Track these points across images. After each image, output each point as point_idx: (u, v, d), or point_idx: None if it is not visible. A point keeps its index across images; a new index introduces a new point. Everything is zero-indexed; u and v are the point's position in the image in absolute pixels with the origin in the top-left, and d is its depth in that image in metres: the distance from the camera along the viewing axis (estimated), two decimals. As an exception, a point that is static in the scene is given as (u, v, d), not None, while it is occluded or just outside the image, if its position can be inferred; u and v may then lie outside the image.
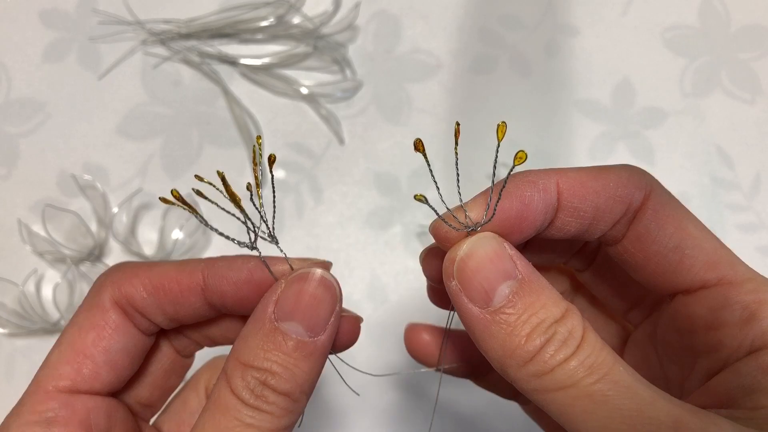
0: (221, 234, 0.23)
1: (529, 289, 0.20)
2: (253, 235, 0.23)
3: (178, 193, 0.21)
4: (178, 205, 0.22)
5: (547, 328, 0.19)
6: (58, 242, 0.40)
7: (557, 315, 0.19)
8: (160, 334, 0.24)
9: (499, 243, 0.20)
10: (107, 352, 0.22)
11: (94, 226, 0.41)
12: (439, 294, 0.25)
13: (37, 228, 0.41)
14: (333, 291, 0.21)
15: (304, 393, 0.20)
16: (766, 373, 0.19)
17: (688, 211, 0.22)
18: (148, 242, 0.41)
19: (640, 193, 0.21)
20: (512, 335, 0.19)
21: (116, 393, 0.23)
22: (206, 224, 0.22)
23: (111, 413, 0.22)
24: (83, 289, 0.40)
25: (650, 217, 0.21)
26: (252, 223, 0.23)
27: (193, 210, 0.22)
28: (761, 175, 0.43)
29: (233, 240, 0.22)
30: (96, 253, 0.41)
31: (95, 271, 0.40)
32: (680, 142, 0.44)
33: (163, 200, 0.21)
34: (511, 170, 0.22)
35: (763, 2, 0.46)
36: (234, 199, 0.22)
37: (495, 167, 0.22)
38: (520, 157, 0.21)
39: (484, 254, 0.20)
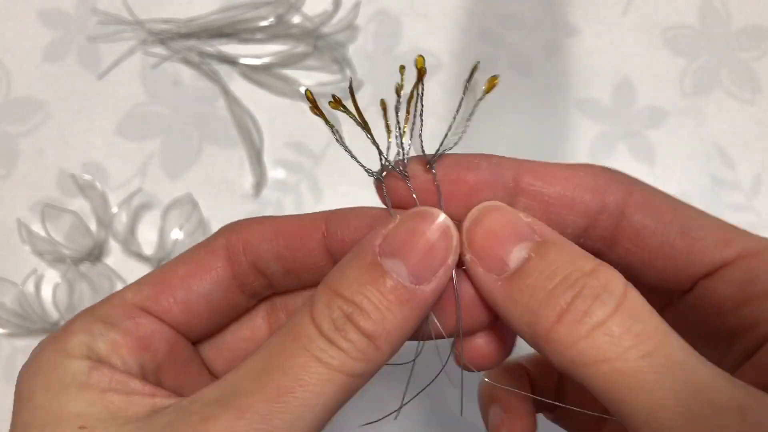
0: (352, 156, 0.22)
1: (550, 248, 0.18)
2: (384, 160, 0.21)
3: (311, 93, 0.20)
4: (337, 108, 0.20)
5: (575, 281, 0.17)
6: (57, 242, 0.40)
7: (587, 268, 0.17)
8: (260, 305, 0.22)
9: (507, 207, 0.19)
10: (190, 292, 0.20)
11: (93, 226, 0.41)
12: None
13: (37, 228, 0.41)
14: (449, 240, 0.18)
15: (389, 343, 0.18)
16: None
17: (678, 198, 0.21)
18: (147, 242, 0.41)
19: (617, 186, 0.20)
20: (534, 295, 0.17)
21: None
22: (344, 145, 0.22)
23: (174, 345, 0.20)
24: (83, 289, 0.40)
25: (640, 210, 0.20)
26: (379, 150, 0.21)
27: (348, 112, 0.21)
28: (762, 175, 0.43)
29: (363, 167, 0.22)
30: (96, 253, 0.41)
31: (95, 270, 0.40)
32: (680, 142, 0.44)
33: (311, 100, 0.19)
34: (481, 98, 0.20)
35: (763, 2, 0.46)
36: (362, 118, 0.21)
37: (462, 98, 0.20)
38: (491, 81, 0.20)
39: (493, 219, 0.19)
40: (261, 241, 0.21)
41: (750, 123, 0.44)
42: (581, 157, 0.43)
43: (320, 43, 0.44)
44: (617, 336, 0.16)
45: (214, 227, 0.42)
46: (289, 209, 0.42)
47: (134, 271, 0.41)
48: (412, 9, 0.46)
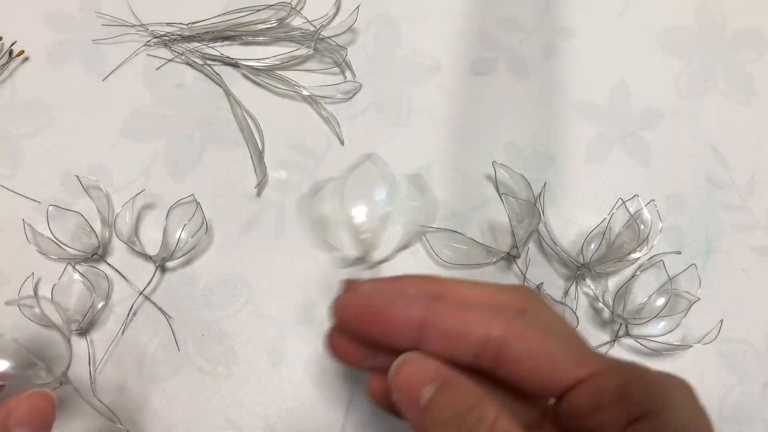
0: None
1: (447, 388, 0.25)
2: None
3: None
4: None
5: (460, 415, 0.24)
6: (62, 242, 0.41)
7: (470, 404, 0.24)
8: None
9: (420, 357, 0.26)
10: None
11: (97, 226, 0.41)
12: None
13: (42, 228, 0.41)
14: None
15: None
16: None
17: (558, 322, 0.28)
18: (151, 242, 0.42)
19: (499, 322, 0.26)
20: (437, 426, 0.24)
21: None
22: None
23: None
24: (82, 289, 0.40)
25: (516, 341, 0.25)
26: None
27: None
28: (756, 176, 0.44)
29: None
30: (100, 253, 0.41)
31: (98, 270, 0.41)
32: (676, 143, 0.44)
33: None
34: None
35: (758, 5, 0.47)
36: None
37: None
38: None
39: (408, 368, 0.26)
40: None
41: (745, 124, 0.45)
42: (579, 158, 0.44)
43: (321, 45, 0.44)
44: None
45: (217, 227, 0.42)
46: (291, 209, 0.42)
47: (137, 271, 0.41)
48: (411, 12, 0.46)
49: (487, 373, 0.27)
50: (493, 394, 0.26)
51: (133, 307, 0.41)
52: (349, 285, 0.29)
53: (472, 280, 0.28)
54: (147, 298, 0.41)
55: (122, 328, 0.41)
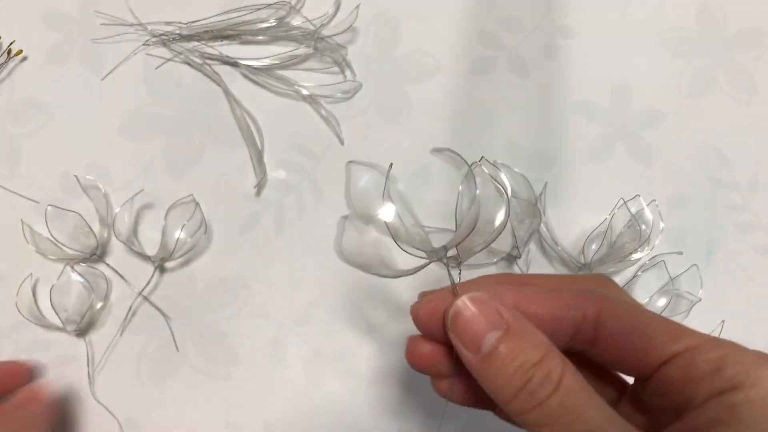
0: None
1: (513, 337, 0.24)
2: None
3: None
4: None
5: (526, 370, 0.23)
6: (60, 242, 0.41)
7: (535, 359, 0.23)
8: None
9: (483, 297, 0.25)
10: None
11: (96, 226, 0.41)
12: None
13: (40, 228, 0.41)
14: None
15: None
16: (728, 410, 0.23)
17: (641, 305, 0.28)
18: (149, 242, 0.42)
19: (592, 302, 0.26)
20: (498, 376, 0.24)
21: None
22: None
23: None
24: (80, 289, 0.40)
25: (610, 320, 0.26)
26: None
27: None
28: (758, 175, 0.43)
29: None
30: (98, 253, 0.41)
31: (97, 270, 0.41)
32: (678, 143, 0.44)
33: None
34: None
35: (760, 5, 0.47)
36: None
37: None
38: None
39: (470, 310, 0.25)
40: None
41: (747, 124, 0.44)
42: (580, 157, 0.44)
43: (320, 45, 0.44)
44: (552, 409, 0.23)
45: (216, 227, 0.42)
46: (291, 209, 0.42)
47: (136, 271, 0.41)
48: (411, 11, 0.46)
49: (576, 354, 0.26)
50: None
51: (132, 307, 0.41)
52: (427, 294, 0.28)
53: (550, 274, 0.28)
54: (146, 298, 0.41)
55: (121, 329, 0.41)
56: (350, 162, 0.27)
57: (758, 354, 0.24)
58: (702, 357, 0.24)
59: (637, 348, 0.25)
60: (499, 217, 0.27)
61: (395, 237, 0.26)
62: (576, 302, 0.26)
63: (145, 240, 0.42)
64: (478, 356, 0.24)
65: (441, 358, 0.27)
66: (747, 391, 0.23)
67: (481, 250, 0.27)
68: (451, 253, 0.27)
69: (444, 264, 0.27)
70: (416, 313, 0.27)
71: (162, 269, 0.41)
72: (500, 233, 0.27)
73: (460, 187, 0.27)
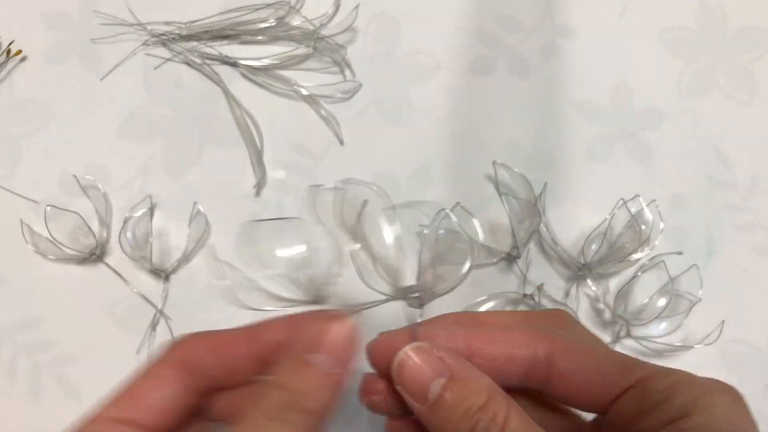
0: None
1: (456, 383, 0.24)
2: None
3: None
4: None
5: (471, 415, 0.23)
6: (60, 242, 0.40)
7: (480, 402, 0.23)
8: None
9: (426, 347, 0.25)
10: (156, 400, 0.25)
11: (95, 227, 0.41)
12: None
13: (39, 228, 0.41)
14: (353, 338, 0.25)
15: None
16: None
17: (596, 339, 0.28)
18: (148, 242, 0.42)
19: (544, 341, 0.26)
20: (446, 424, 0.24)
21: None
22: None
23: None
24: (84, 288, 0.40)
25: (563, 357, 0.26)
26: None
27: None
28: (758, 176, 0.43)
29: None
30: (98, 253, 0.41)
31: (97, 271, 0.41)
32: (678, 143, 0.44)
33: None
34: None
35: (760, 4, 0.47)
36: None
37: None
38: None
39: (414, 360, 0.25)
40: (206, 354, 0.26)
41: (747, 124, 0.44)
42: (580, 158, 0.43)
43: (320, 44, 0.44)
44: None
45: (215, 227, 0.42)
46: (290, 209, 0.42)
47: (135, 271, 0.41)
48: (411, 11, 0.46)
49: (532, 392, 0.27)
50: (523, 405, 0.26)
51: (131, 307, 0.41)
52: (384, 334, 0.28)
53: (507, 311, 0.28)
54: (145, 298, 0.41)
55: (120, 329, 0.41)
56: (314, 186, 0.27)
57: (709, 380, 0.25)
58: (652, 387, 0.25)
59: (591, 384, 0.26)
60: (466, 266, 0.27)
61: (361, 271, 0.26)
62: (527, 341, 0.26)
63: (144, 240, 0.42)
64: (425, 405, 0.24)
65: (396, 397, 0.26)
66: (696, 417, 0.23)
67: (443, 295, 0.27)
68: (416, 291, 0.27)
69: (407, 304, 0.27)
70: (371, 352, 0.27)
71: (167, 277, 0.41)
72: (463, 280, 0.27)
73: (426, 231, 0.28)
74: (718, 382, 0.25)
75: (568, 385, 0.26)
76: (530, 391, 0.28)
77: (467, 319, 0.29)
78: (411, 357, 0.25)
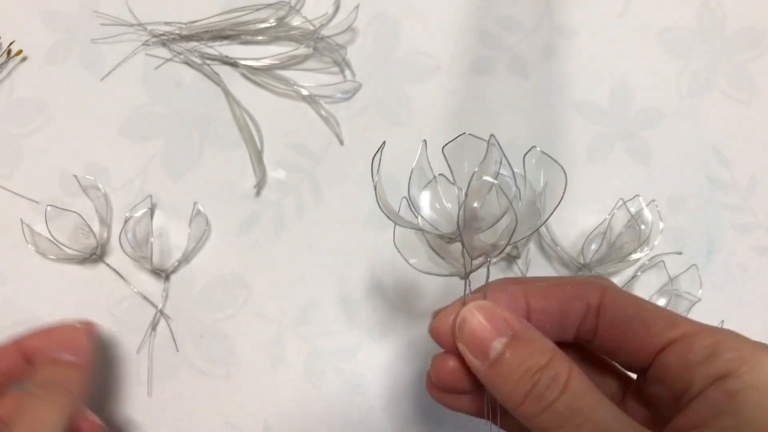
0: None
1: (519, 342, 0.24)
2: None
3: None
4: None
5: (533, 374, 0.24)
6: (60, 242, 0.41)
7: (542, 362, 0.24)
8: None
9: (490, 306, 0.25)
10: None
11: (96, 227, 0.41)
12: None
13: (40, 228, 0.41)
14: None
15: None
16: (728, 397, 0.23)
17: (641, 297, 0.28)
18: (148, 242, 0.42)
19: (595, 292, 0.27)
20: (507, 382, 0.24)
21: None
22: None
23: None
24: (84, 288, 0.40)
25: (610, 308, 0.26)
26: None
27: None
28: (757, 176, 0.43)
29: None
30: (98, 253, 0.41)
31: (97, 270, 0.41)
32: (677, 143, 0.44)
33: None
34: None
35: (759, 5, 0.47)
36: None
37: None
38: None
39: (477, 318, 0.25)
40: None
41: (746, 124, 0.44)
42: (579, 157, 0.44)
43: (320, 45, 0.44)
44: (561, 411, 0.23)
45: (215, 227, 0.42)
46: (290, 209, 0.42)
47: (135, 271, 0.41)
48: (411, 11, 0.46)
49: (580, 348, 0.28)
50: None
51: (131, 307, 0.41)
52: (442, 309, 0.28)
53: (553, 276, 0.29)
54: (145, 298, 0.41)
55: (120, 328, 0.41)
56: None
57: (755, 342, 0.24)
58: (698, 342, 0.24)
59: (636, 335, 0.26)
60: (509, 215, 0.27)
61: (433, 244, 0.27)
62: (580, 292, 0.27)
63: (144, 240, 0.42)
64: (485, 363, 0.24)
65: (465, 375, 0.27)
66: (744, 376, 0.23)
67: (485, 230, 0.27)
68: (475, 263, 0.27)
69: (464, 271, 0.27)
70: (437, 330, 0.27)
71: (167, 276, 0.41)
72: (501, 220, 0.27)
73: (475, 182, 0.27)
74: (765, 344, 0.24)
75: (615, 336, 0.26)
76: (579, 347, 0.28)
77: (516, 281, 0.29)
78: (475, 314, 0.25)
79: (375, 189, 0.26)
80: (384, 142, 0.28)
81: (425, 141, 0.28)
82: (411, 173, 0.27)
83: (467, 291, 0.27)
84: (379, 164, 0.27)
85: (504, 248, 0.26)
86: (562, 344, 0.27)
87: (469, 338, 0.25)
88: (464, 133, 0.27)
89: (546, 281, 0.28)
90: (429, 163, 0.28)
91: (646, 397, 0.27)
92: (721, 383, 0.23)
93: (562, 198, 0.27)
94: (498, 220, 0.26)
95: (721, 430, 0.23)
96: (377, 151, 0.27)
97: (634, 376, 0.29)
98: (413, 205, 0.27)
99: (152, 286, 0.41)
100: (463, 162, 0.27)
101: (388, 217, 0.26)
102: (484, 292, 0.27)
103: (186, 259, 0.41)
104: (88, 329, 0.35)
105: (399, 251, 0.28)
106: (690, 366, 0.24)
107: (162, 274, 0.41)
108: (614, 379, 0.29)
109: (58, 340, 0.33)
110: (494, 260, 0.26)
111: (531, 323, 0.26)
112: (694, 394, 0.24)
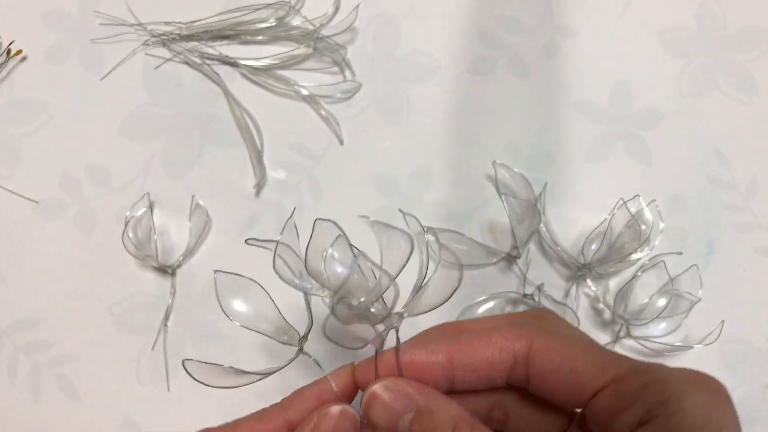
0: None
1: (423, 416, 0.25)
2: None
3: None
4: None
5: None
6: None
7: (448, 430, 0.24)
8: None
9: (393, 384, 0.26)
10: None
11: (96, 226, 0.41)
12: None
13: (40, 227, 0.41)
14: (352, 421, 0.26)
15: None
16: None
17: (574, 334, 0.28)
18: (149, 241, 0.42)
19: (522, 341, 0.27)
20: None
21: None
22: None
23: None
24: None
25: (539, 357, 0.26)
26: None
27: None
28: (758, 176, 0.43)
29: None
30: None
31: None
32: (677, 143, 0.44)
33: None
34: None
35: (759, 4, 0.47)
36: None
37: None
38: None
39: (381, 400, 0.26)
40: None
41: (746, 124, 0.44)
42: (579, 158, 0.44)
43: (320, 45, 0.44)
44: None
45: (216, 226, 0.42)
46: (290, 209, 0.42)
47: (138, 270, 0.41)
48: (411, 11, 0.46)
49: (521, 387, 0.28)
50: (511, 405, 0.28)
51: (131, 307, 0.41)
52: (362, 363, 0.28)
53: (490, 316, 0.29)
54: (145, 298, 0.41)
55: (120, 329, 0.41)
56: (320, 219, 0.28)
57: (687, 376, 0.25)
58: (624, 388, 0.25)
59: (566, 384, 0.26)
60: (452, 285, 0.27)
61: (342, 319, 0.27)
62: (506, 343, 0.27)
63: (144, 239, 0.42)
64: None
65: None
66: (665, 420, 0.23)
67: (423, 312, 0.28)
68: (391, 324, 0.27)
69: (395, 330, 0.27)
70: (358, 380, 0.28)
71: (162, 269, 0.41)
72: (448, 299, 0.27)
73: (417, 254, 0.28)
74: (698, 376, 0.25)
75: (546, 384, 0.27)
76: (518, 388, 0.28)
77: (449, 328, 0.29)
78: (379, 395, 0.26)
79: (275, 250, 0.28)
80: (294, 208, 0.32)
81: (317, 220, 0.29)
82: (307, 249, 0.27)
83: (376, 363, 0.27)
84: (295, 229, 0.29)
85: (402, 315, 0.27)
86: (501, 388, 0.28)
87: (377, 418, 0.26)
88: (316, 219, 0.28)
89: (474, 331, 0.28)
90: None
91: (588, 430, 0.28)
92: (644, 428, 0.24)
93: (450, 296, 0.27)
94: (342, 284, 0.27)
95: None
96: (289, 217, 0.29)
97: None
98: (312, 274, 0.27)
99: (155, 285, 0.41)
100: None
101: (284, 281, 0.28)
102: (397, 358, 0.27)
103: (190, 252, 0.41)
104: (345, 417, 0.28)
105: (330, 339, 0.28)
106: (618, 413, 0.25)
107: (168, 270, 0.41)
108: (557, 412, 0.29)
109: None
110: (399, 326, 0.26)
111: (455, 380, 0.27)
112: None
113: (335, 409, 0.26)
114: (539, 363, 0.26)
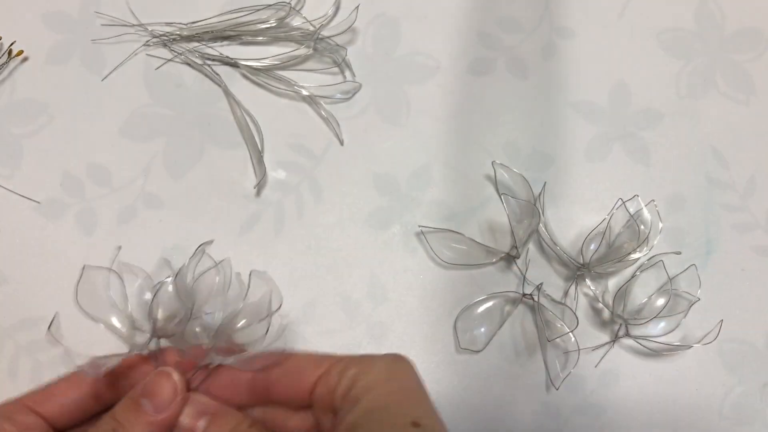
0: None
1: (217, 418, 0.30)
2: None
3: None
4: None
5: None
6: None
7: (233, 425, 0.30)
8: None
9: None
10: (65, 399, 0.31)
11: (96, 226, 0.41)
12: None
13: (41, 227, 0.41)
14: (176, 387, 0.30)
15: None
16: (353, 401, 0.28)
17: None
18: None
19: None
20: None
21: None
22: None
23: None
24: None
25: (275, 369, 0.31)
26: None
27: None
28: (756, 176, 0.44)
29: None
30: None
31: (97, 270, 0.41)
32: (676, 143, 0.44)
33: None
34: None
35: (757, 5, 0.47)
36: None
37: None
38: None
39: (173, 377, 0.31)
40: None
41: (744, 124, 0.45)
42: (578, 158, 0.44)
43: (320, 45, 0.44)
44: None
45: (215, 227, 0.42)
46: (290, 209, 0.42)
47: (135, 271, 0.41)
48: (411, 12, 0.46)
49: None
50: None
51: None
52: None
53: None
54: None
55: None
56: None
57: (376, 354, 0.30)
58: (334, 371, 0.29)
59: (293, 380, 0.30)
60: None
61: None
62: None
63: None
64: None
65: None
66: (364, 382, 0.28)
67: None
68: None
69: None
70: None
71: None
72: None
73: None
74: (388, 353, 0.29)
75: (280, 388, 0.31)
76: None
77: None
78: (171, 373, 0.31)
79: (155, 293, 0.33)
80: (204, 243, 0.36)
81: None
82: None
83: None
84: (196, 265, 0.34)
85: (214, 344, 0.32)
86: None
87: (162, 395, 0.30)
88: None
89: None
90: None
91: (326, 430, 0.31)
92: (348, 392, 0.28)
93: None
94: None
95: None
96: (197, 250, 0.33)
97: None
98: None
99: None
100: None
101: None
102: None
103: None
104: (177, 383, 0.31)
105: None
106: (331, 390, 0.29)
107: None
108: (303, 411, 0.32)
109: (149, 385, 0.31)
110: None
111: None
112: (343, 410, 0.28)
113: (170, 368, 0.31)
114: (276, 370, 0.30)
